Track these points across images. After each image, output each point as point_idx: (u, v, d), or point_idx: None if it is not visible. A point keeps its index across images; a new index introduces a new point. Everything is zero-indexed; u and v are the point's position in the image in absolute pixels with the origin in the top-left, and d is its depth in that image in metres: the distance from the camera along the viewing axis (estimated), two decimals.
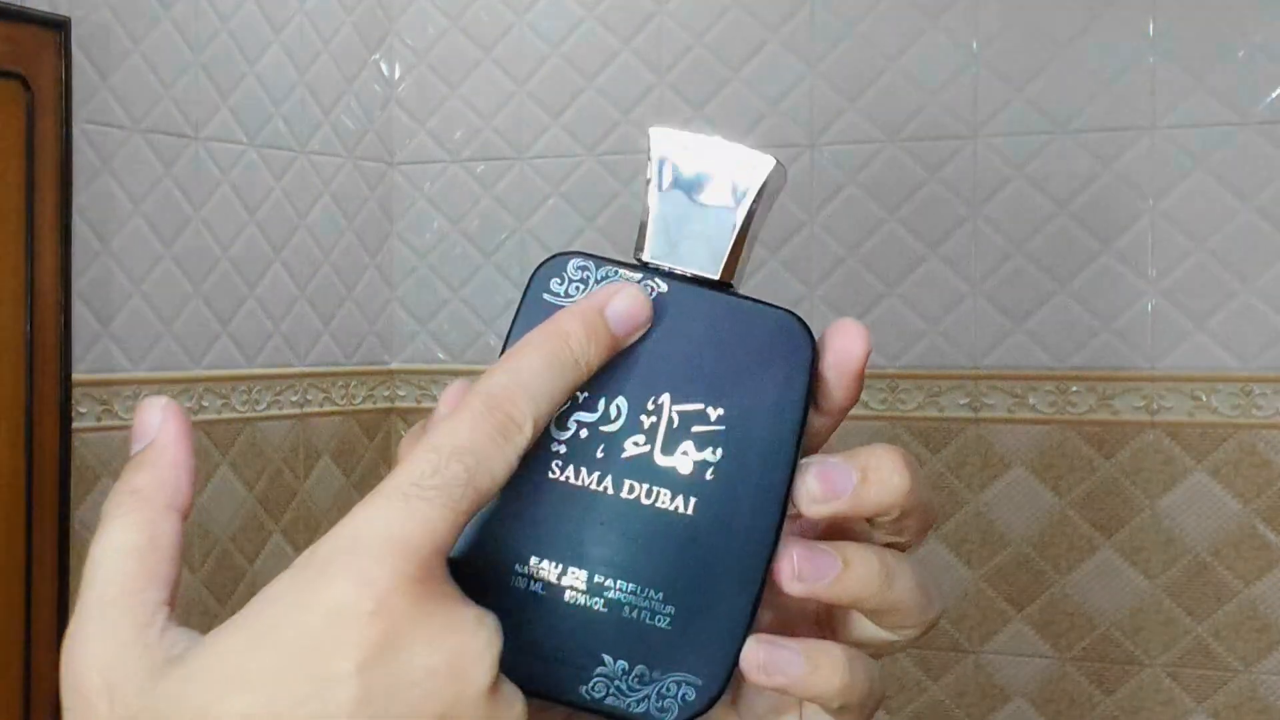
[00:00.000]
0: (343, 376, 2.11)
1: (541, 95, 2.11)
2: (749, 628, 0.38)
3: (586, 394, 0.39)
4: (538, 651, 0.37)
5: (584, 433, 0.39)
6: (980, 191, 1.86)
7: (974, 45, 1.86)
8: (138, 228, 1.79)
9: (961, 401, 1.87)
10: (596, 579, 0.38)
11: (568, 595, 0.38)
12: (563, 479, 0.39)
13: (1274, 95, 1.73)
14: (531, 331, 0.38)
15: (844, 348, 0.39)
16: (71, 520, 1.66)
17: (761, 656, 0.38)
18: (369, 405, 2.16)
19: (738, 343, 0.39)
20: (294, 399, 2.02)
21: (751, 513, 0.38)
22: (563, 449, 0.39)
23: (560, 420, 0.39)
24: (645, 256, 0.40)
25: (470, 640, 0.34)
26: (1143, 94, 1.78)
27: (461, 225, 2.17)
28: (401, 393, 2.20)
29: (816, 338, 0.39)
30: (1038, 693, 1.84)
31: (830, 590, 0.39)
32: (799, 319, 0.39)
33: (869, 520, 0.40)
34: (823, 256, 1.91)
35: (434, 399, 2.18)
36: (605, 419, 0.39)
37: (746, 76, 1.98)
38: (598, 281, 0.40)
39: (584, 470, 0.39)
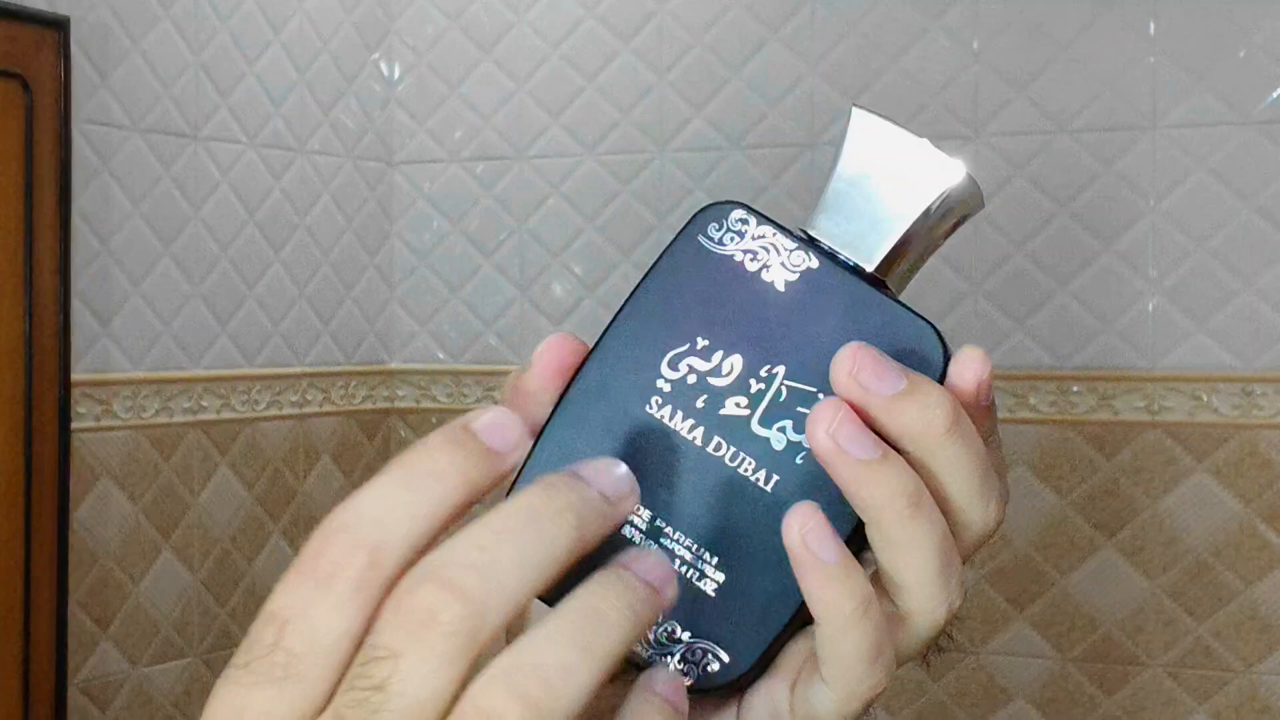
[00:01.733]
0: (342, 376, 2.11)
1: (541, 95, 2.11)
2: (793, 621, 0.37)
3: (707, 342, 0.38)
4: (582, 567, 0.36)
5: (691, 378, 0.38)
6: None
7: (975, 45, 1.86)
8: (137, 227, 1.79)
9: None
10: (658, 523, 0.37)
11: (626, 528, 0.37)
12: (657, 416, 0.38)
13: (1275, 95, 1.73)
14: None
15: (958, 372, 0.38)
16: (70, 520, 1.66)
17: (806, 523, 0.36)
18: (368, 405, 2.16)
19: (869, 339, 0.37)
20: (293, 399, 2.02)
21: (827, 509, 0.36)
22: (667, 388, 0.38)
23: (674, 361, 0.38)
24: (809, 229, 0.39)
25: None
26: (1143, 94, 1.78)
27: (461, 225, 2.17)
28: (401, 393, 2.20)
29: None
30: (1039, 693, 1.84)
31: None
32: (938, 332, 0.38)
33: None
34: None
35: (433, 399, 2.18)
36: (716, 372, 0.38)
37: (746, 76, 1.97)
38: (755, 238, 0.39)
39: (680, 414, 0.38)
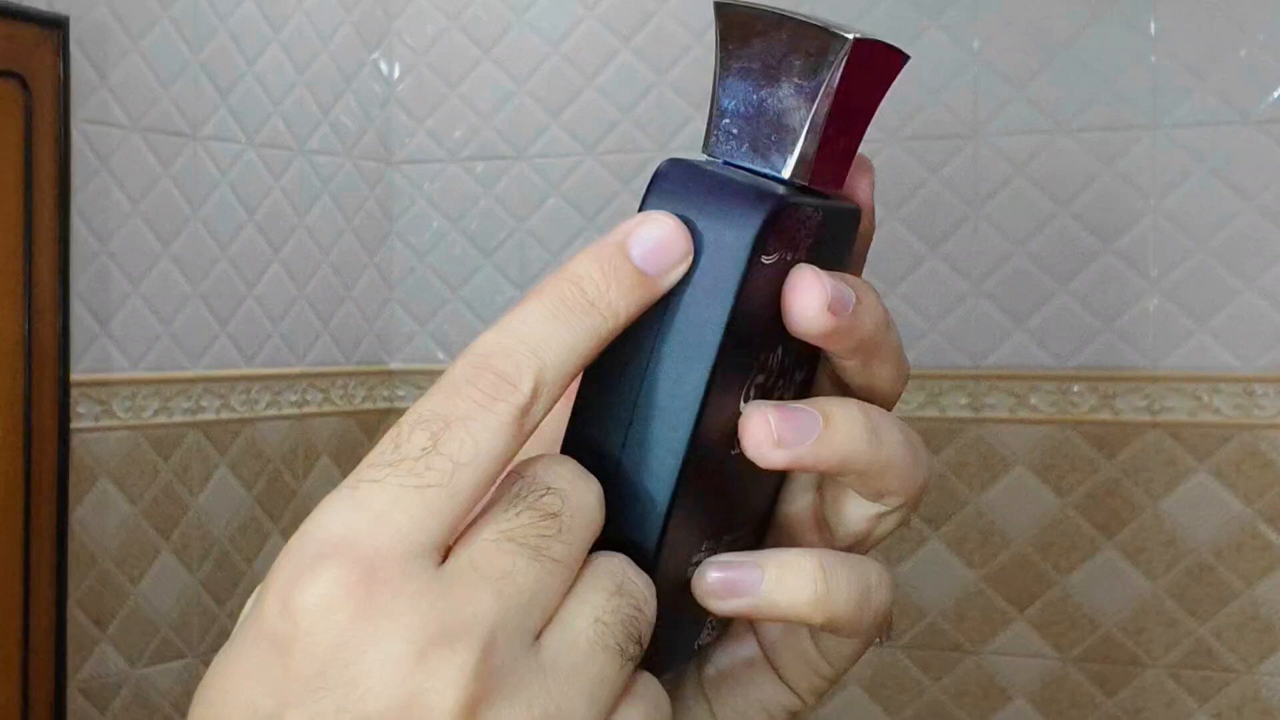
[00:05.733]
0: (342, 376, 2.11)
1: (541, 95, 2.11)
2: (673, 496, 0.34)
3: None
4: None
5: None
6: (981, 191, 1.85)
7: (975, 44, 1.86)
8: (136, 227, 1.78)
9: (962, 401, 1.87)
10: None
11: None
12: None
13: (1276, 94, 1.73)
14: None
15: (794, 306, 0.35)
16: (69, 520, 1.66)
17: (712, 578, 0.35)
18: (368, 405, 2.15)
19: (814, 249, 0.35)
20: (293, 399, 2.01)
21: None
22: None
23: None
24: (712, 153, 0.36)
25: (432, 653, 0.29)
26: (1144, 93, 1.78)
27: (461, 225, 2.17)
28: (401, 393, 2.20)
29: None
30: (1039, 693, 1.84)
31: (814, 452, 0.34)
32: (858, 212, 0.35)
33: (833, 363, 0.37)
34: None
35: None
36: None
37: None
38: None
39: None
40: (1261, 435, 1.73)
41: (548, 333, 0.32)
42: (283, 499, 1.99)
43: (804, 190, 0.35)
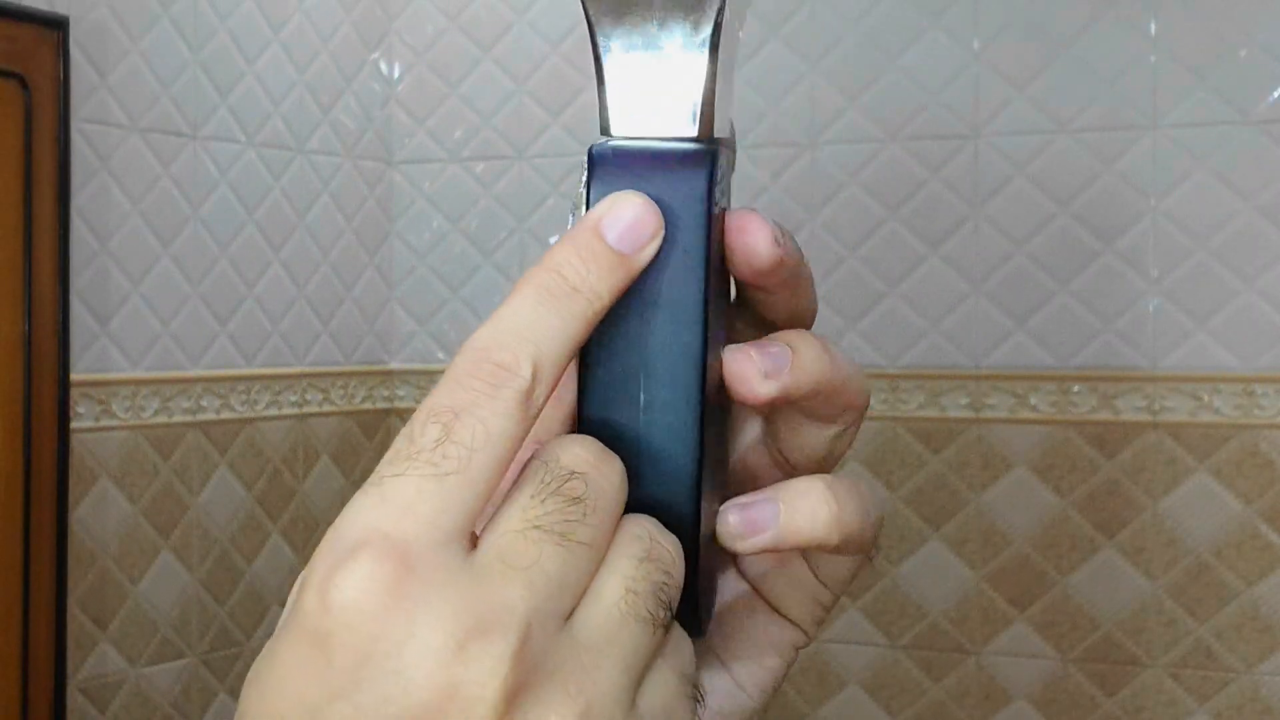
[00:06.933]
0: (342, 376, 2.11)
1: (541, 95, 2.11)
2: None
3: None
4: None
5: None
6: (981, 191, 1.85)
7: (975, 44, 1.86)
8: (136, 227, 1.78)
9: (963, 402, 1.87)
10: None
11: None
12: None
13: (1276, 94, 1.73)
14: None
15: (749, 245, 0.36)
16: (69, 520, 1.66)
17: (733, 520, 0.36)
18: (368, 405, 2.15)
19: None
20: (293, 399, 2.01)
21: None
22: None
23: None
24: (617, 130, 0.36)
25: (474, 651, 0.30)
26: (1144, 93, 1.78)
27: (461, 225, 2.17)
28: (401, 393, 2.20)
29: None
30: (1039, 694, 1.84)
31: (794, 379, 0.36)
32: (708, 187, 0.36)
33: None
34: (823, 256, 1.91)
35: None
36: None
37: (747, 75, 1.97)
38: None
39: None
40: (1261, 435, 1.73)
41: (538, 320, 0.33)
42: (283, 499, 1.99)
43: (711, 142, 0.37)
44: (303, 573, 0.31)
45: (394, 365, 2.20)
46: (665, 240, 0.35)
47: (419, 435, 0.32)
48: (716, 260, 0.36)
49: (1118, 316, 1.80)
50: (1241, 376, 1.74)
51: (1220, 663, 1.75)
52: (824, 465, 0.40)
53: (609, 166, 0.36)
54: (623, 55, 0.37)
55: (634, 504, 0.34)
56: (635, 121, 0.37)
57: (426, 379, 2.19)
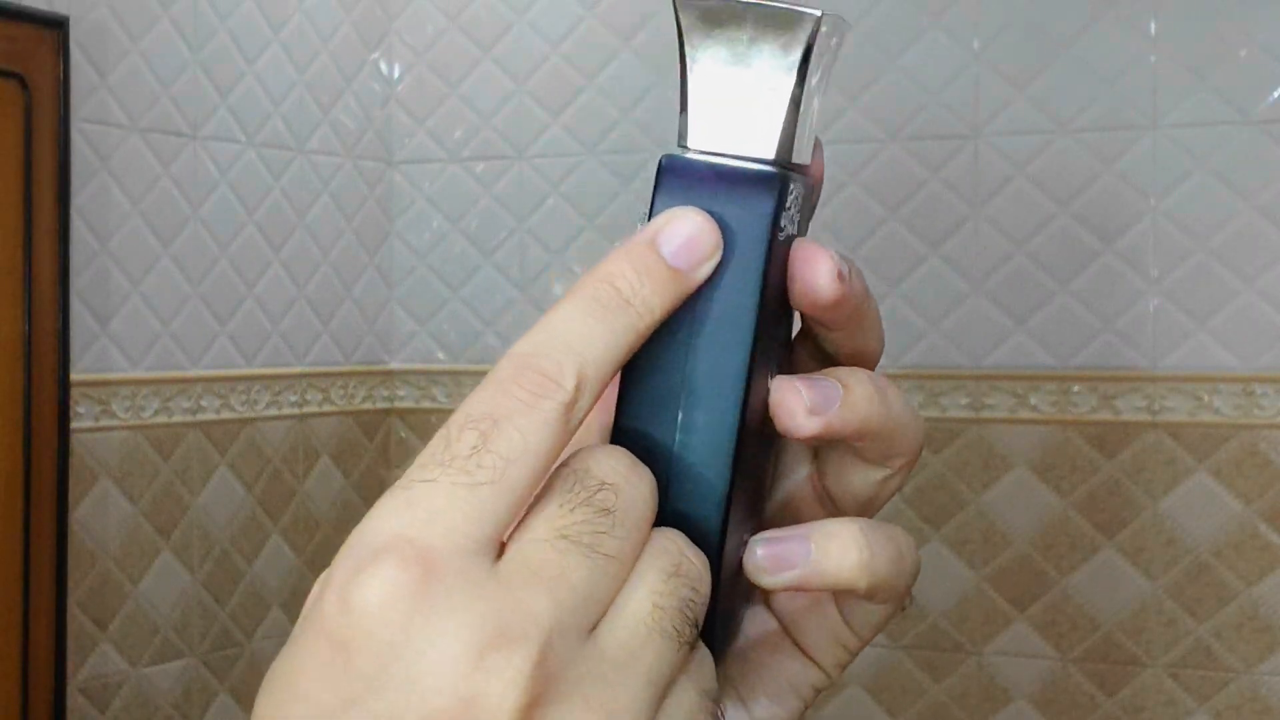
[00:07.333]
0: (342, 376, 2.11)
1: (541, 95, 2.11)
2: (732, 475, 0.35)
3: None
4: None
5: None
6: (981, 191, 1.85)
7: (975, 44, 1.86)
8: (136, 227, 1.78)
9: (963, 402, 1.87)
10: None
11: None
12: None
13: (1276, 94, 1.73)
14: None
15: (809, 278, 0.36)
16: (70, 520, 1.66)
17: (761, 554, 0.36)
18: (368, 405, 2.15)
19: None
20: (293, 399, 2.01)
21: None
22: None
23: None
24: (693, 144, 0.36)
25: (494, 656, 0.29)
26: (1144, 93, 1.78)
27: (461, 225, 2.17)
28: (401, 393, 2.20)
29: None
30: (1039, 694, 1.84)
31: (841, 417, 0.35)
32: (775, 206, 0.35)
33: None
34: None
35: (433, 399, 2.18)
36: None
37: None
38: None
39: None
40: (1261, 435, 1.73)
41: (586, 331, 0.33)
42: (283, 499, 1.99)
43: (786, 167, 0.36)
44: (324, 573, 0.31)
45: (394, 365, 2.20)
46: (722, 261, 0.34)
47: (455, 441, 0.31)
48: (777, 289, 0.35)
49: (1118, 316, 1.80)
50: (1241, 376, 1.74)
51: (1220, 663, 1.75)
52: (868, 507, 0.39)
53: (675, 179, 0.35)
54: (710, 67, 0.36)
55: (660, 523, 0.34)
56: (713, 137, 0.36)
57: (426, 379, 2.19)
